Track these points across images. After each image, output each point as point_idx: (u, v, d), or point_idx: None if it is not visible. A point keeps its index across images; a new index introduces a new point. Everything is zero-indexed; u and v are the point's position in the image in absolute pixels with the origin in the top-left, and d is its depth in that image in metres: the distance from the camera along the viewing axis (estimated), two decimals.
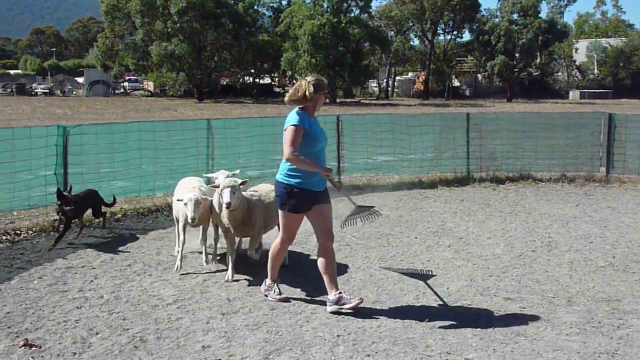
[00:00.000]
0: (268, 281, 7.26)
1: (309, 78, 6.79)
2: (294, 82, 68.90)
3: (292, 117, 6.64)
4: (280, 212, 6.90)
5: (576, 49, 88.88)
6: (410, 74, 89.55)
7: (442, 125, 16.73)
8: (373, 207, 7.46)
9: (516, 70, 76.66)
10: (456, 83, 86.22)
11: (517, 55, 75.75)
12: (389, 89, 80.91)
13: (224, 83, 77.49)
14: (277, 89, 79.31)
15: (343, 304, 6.75)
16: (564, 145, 16.02)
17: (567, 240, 9.85)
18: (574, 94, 79.78)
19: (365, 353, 5.80)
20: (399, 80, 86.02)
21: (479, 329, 6.39)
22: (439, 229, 10.61)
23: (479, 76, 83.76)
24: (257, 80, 77.93)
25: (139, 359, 5.67)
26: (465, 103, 56.95)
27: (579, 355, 5.80)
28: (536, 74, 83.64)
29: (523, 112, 21.96)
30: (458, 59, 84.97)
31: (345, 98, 67.42)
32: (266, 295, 7.21)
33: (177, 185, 8.97)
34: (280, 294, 7.17)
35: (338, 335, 6.21)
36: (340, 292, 6.81)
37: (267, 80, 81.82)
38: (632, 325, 6.54)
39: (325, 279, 6.87)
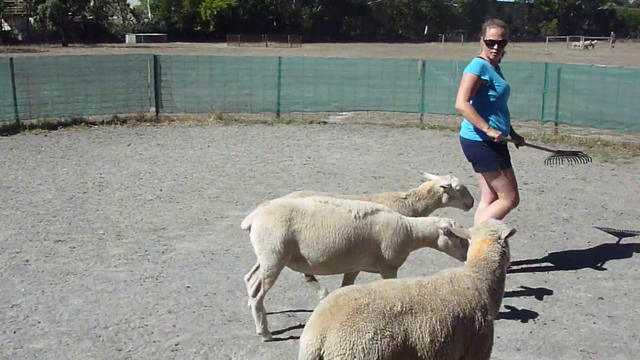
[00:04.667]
0: None
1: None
2: None
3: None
4: (492, 174, 6.36)
5: None
6: None
7: None
8: (580, 152, 7.20)
9: (70, 13, 74.55)
10: (7, 27, 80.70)
11: None
12: None
13: None
14: None
15: None
16: (115, 87, 16.28)
17: (119, 179, 10.19)
18: (130, 38, 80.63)
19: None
20: None
21: (27, 274, 6.35)
22: None
23: (31, 20, 79.57)
24: None
25: None
26: (18, 48, 53.67)
27: (126, 283, 6.18)
28: (91, 17, 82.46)
29: (71, 56, 21.58)
30: (6, 1, 79.41)
31: None
32: None
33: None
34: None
35: None
36: None
37: None
38: (175, 249, 7.16)
39: None
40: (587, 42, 76.20)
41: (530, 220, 8.42)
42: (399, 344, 3.26)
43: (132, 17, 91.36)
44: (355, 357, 3.14)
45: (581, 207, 9.08)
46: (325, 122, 16.42)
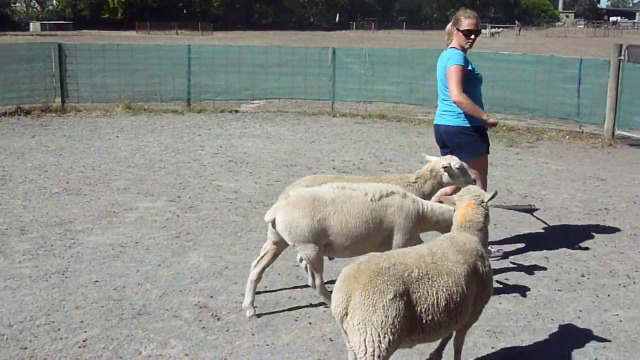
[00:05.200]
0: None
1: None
2: None
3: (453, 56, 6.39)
4: (474, 160, 6.40)
5: None
6: None
7: None
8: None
9: None
10: None
11: None
12: None
13: None
14: None
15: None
16: (18, 77, 15.69)
17: (23, 172, 9.85)
18: (34, 26, 77.87)
19: None
20: None
21: None
22: None
23: None
24: None
25: None
26: None
27: (31, 279, 5.98)
28: None
29: None
30: None
31: None
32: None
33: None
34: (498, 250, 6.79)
35: None
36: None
37: None
38: (83, 243, 6.97)
39: None
40: (493, 30, 78.36)
41: None
42: (414, 307, 3.63)
43: (36, 5, 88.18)
44: (376, 312, 3.47)
45: (487, 191, 9.32)
46: (236, 111, 16.33)
